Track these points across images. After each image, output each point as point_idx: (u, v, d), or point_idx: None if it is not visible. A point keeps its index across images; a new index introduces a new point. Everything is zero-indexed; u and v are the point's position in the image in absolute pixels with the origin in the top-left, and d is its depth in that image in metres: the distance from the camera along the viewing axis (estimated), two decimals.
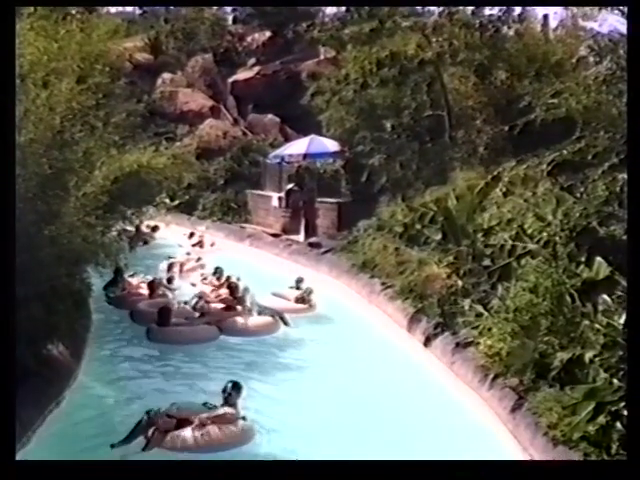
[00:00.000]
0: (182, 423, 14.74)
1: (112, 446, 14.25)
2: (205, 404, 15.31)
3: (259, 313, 23.85)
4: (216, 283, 26.99)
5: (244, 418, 15.24)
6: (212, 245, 37.80)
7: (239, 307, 23.97)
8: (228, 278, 26.64)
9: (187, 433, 14.65)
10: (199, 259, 33.04)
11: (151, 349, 21.56)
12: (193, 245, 37.18)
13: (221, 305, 24.37)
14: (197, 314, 23.52)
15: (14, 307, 11.29)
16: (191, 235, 38.80)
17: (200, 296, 24.81)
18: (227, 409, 15.11)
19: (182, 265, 31.55)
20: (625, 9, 17.57)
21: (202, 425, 14.72)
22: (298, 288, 26.01)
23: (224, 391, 15.34)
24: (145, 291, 26.10)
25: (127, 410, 16.50)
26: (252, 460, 13.46)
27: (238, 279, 26.71)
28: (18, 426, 11.74)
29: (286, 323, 23.60)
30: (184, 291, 26.74)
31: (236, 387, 15.37)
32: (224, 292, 25.58)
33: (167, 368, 20.12)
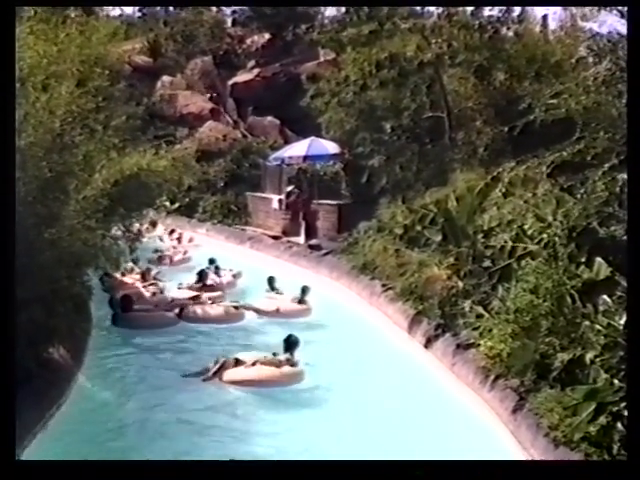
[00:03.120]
0: (240, 364, 18.71)
1: (183, 376, 18.83)
2: (274, 354, 18.98)
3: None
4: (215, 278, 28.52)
5: (294, 364, 18.87)
6: (190, 241, 38.94)
7: (208, 294, 25.65)
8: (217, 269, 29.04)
9: (239, 370, 18.64)
10: (186, 252, 35.56)
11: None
12: (172, 240, 38.35)
13: (190, 293, 25.93)
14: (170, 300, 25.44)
15: (14, 310, 11.28)
16: (171, 232, 39.35)
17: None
18: (286, 356, 18.94)
19: (171, 258, 34.18)
20: (624, 9, 17.57)
21: (252, 365, 18.62)
22: (273, 289, 26.32)
23: (285, 342, 19.23)
24: (137, 281, 27.64)
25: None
26: (252, 460, 13.54)
27: (231, 270, 29.74)
28: (19, 429, 11.74)
29: (258, 311, 24.91)
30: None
31: (292, 340, 19.25)
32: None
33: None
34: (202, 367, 19.10)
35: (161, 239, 36.94)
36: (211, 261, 29.91)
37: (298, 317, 24.80)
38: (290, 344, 19.26)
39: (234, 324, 24.17)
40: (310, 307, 25.48)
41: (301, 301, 25.50)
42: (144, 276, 27.75)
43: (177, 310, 24.57)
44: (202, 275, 27.40)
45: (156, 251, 33.09)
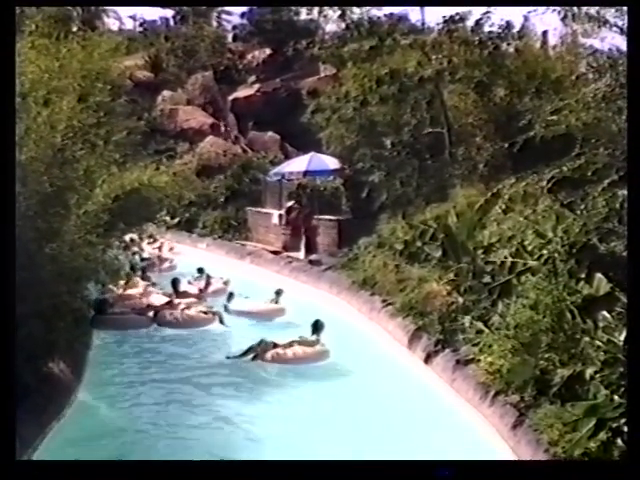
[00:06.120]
0: (277, 346, 21.66)
1: (228, 357, 21.87)
2: (300, 337, 21.98)
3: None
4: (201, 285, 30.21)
5: (322, 344, 21.87)
6: (171, 249, 39.72)
7: (182, 300, 26.84)
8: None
9: (278, 350, 21.58)
10: (172, 260, 37.46)
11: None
12: (154, 249, 38.39)
13: (164, 299, 27.23)
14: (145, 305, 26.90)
15: (14, 324, 11.28)
16: (154, 241, 39.71)
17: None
18: (315, 337, 21.98)
19: (158, 265, 36.03)
20: (624, 25, 17.64)
21: (289, 346, 21.68)
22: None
23: (312, 326, 22.15)
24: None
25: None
26: (252, 460, 13.61)
27: (221, 278, 31.09)
28: (18, 443, 11.73)
29: (222, 322, 25.80)
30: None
31: (319, 324, 22.22)
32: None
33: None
34: (243, 349, 21.83)
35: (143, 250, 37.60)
36: (200, 270, 31.38)
37: (272, 317, 26.24)
38: (317, 327, 22.14)
39: (207, 327, 25.61)
40: (283, 307, 26.60)
41: (277, 302, 26.76)
42: (128, 282, 28.64)
43: (151, 314, 25.89)
44: (175, 283, 28.62)
45: (143, 260, 33.41)
